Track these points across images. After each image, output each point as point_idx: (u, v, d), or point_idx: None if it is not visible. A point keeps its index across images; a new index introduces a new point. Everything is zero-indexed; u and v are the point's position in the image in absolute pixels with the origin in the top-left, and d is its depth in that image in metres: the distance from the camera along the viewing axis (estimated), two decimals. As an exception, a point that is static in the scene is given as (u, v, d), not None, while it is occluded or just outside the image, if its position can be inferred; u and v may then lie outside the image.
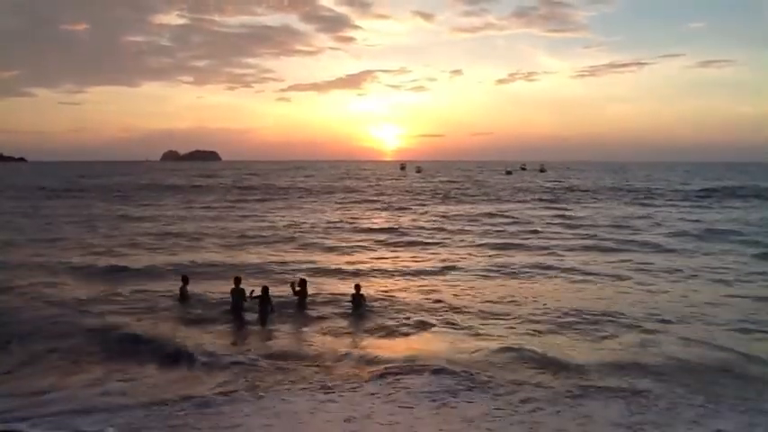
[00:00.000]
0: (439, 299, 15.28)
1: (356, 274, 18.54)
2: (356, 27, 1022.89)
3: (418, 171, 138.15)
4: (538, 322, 13.10)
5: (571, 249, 23.03)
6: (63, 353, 11.18)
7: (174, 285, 15.58)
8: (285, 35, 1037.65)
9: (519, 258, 21.21)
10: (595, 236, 26.77)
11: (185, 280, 15.39)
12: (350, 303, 14.31)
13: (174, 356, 10.87)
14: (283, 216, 36.80)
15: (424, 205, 45.80)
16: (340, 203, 47.95)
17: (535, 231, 28.56)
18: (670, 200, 50.17)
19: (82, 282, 17.30)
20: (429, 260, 21.16)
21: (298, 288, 14.54)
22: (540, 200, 50.86)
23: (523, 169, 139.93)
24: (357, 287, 14.51)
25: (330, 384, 9.53)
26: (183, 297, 15.09)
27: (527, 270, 18.85)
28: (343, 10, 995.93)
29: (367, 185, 77.57)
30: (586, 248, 23.26)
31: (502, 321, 13.18)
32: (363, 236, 27.75)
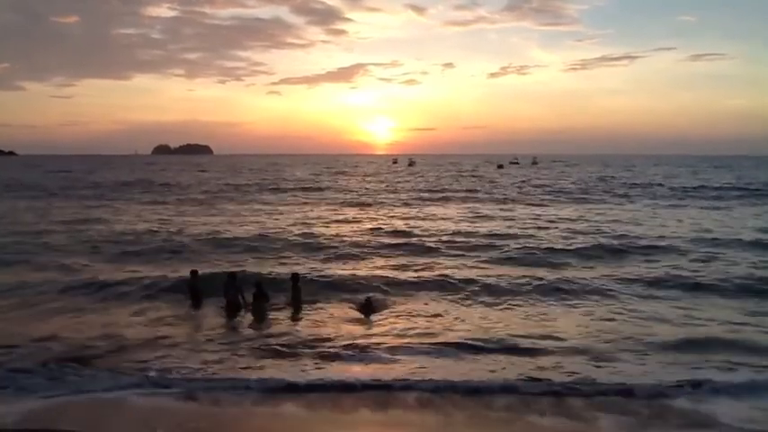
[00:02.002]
0: (443, 313, 13.85)
1: (357, 282, 16.67)
2: (348, 20, 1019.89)
3: (410, 164, 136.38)
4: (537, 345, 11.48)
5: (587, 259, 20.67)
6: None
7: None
8: (276, 28, 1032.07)
9: (527, 271, 18.74)
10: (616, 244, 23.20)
11: (194, 274, 14.65)
12: (360, 308, 13.86)
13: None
14: (266, 215, 34.56)
15: (418, 205, 43.51)
16: (330, 202, 45.57)
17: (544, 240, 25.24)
18: (683, 199, 47.68)
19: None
20: (429, 269, 19.01)
21: (291, 283, 14.32)
22: (540, 199, 48.80)
23: (515, 163, 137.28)
24: (368, 299, 14.04)
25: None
26: (194, 293, 14.33)
27: (537, 285, 16.39)
28: (334, 2, 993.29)
29: (360, 180, 75.60)
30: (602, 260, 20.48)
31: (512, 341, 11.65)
32: (363, 239, 25.58)
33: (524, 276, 17.26)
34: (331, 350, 11.07)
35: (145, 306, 14.26)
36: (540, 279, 16.85)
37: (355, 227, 28.87)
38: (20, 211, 34.96)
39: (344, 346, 11.30)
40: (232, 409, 8.61)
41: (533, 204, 41.26)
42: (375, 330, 12.52)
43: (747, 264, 18.83)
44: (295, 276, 14.58)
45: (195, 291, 14.45)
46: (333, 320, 13.22)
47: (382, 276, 17.50)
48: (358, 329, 12.57)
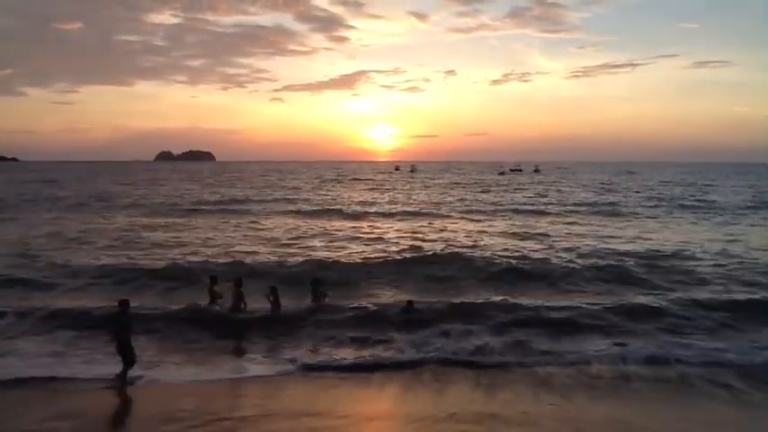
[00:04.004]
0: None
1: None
2: (350, 27, 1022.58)
3: (412, 171, 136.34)
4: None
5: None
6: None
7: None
8: (279, 35, 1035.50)
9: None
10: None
11: (214, 280, 14.96)
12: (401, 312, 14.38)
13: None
14: (275, 229, 33.68)
15: (430, 216, 42.49)
16: (336, 212, 44.18)
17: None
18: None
19: None
20: (457, 286, 18.72)
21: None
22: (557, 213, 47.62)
23: (517, 170, 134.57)
24: (410, 302, 14.61)
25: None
26: (212, 297, 14.67)
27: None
28: (336, 10, 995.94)
29: (366, 189, 74.99)
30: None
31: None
32: (381, 253, 24.91)
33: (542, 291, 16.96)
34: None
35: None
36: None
37: (369, 237, 28.16)
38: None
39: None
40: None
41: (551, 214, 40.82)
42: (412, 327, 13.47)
43: None
44: (315, 281, 15.50)
45: (214, 296, 14.80)
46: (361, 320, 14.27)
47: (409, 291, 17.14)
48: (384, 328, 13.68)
